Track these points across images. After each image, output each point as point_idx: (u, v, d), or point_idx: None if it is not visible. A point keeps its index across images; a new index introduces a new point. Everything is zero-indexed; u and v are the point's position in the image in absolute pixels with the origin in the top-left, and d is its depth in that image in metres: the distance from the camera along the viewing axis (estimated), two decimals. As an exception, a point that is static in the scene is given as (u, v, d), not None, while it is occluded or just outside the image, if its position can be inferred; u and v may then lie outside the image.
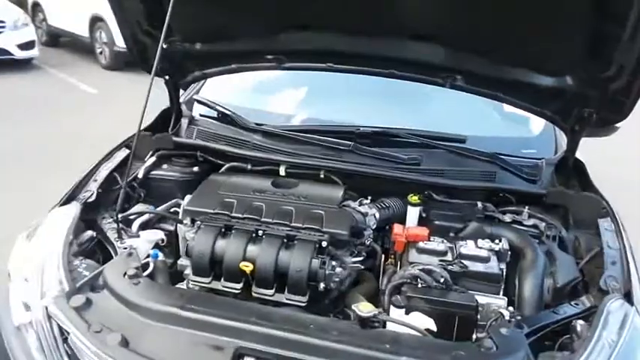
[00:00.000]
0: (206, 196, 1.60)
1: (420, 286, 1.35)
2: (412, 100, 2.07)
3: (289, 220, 1.48)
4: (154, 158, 1.86)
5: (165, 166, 1.87)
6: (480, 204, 1.67)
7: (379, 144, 1.83)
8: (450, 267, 1.39)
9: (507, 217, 1.65)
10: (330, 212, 1.52)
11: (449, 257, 1.43)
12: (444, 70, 1.68)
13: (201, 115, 2.12)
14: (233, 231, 1.44)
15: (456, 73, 1.67)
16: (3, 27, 7.41)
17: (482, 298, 1.37)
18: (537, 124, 2.00)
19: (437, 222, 1.61)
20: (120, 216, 1.57)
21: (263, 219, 1.49)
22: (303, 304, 1.35)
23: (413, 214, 1.64)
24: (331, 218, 1.49)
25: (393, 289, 1.36)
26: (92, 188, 1.64)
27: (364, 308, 1.23)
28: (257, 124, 1.94)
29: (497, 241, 1.49)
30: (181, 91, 2.09)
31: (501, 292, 1.40)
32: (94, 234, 1.52)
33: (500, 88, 1.68)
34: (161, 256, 1.50)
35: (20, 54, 7.58)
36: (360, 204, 1.63)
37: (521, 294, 1.40)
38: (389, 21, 1.55)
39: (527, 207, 1.64)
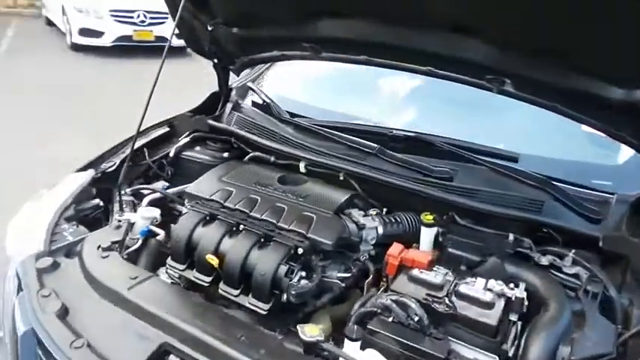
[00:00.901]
0: (209, 182, 1.55)
1: (391, 320, 1.14)
2: (467, 107, 1.78)
3: (277, 219, 1.36)
4: (187, 139, 1.88)
5: (198, 148, 1.88)
6: (511, 237, 1.37)
7: (412, 151, 1.61)
8: (434, 305, 1.15)
9: (545, 260, 1.33)
10: (321, 218, 1.37)
11: (442, 293, 1.19)
12: (490, 72, 1.40)
13: (253, 103, 2.09)
14: (215, 221, 1.38)
15: (503, 76, 1.38)
16: (165, 18, 8.34)
17: (466, 352, 1.11)
18: (625, 150, 1.58)
19: (450, 249, 1.35)
20: (130, 190, 1.62)
21: (252, 213, 1.40)
22: (264, 312, 1.23)
23: (426, 235, 1.40)
24: (320, 225, 1.34)
25: (360, 317, 1.17)
26: (116, 160, 1.70)
27: (309, 331, 1.08)
28: (292, 115, 1.84)
29: (512, 285, 1.20)
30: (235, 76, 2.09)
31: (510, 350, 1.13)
32: (101, 203, 1.58)
33: (558, 98, 1.35)
34: (161, 236, 1.50)
35: (176, 42, 8.48)
36: (366, 214, 1.45)
37: (523, 357, 1.10)
38: (425, 9, 1.33)
39: (572, 251, 1.30)
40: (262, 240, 1.31)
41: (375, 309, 1.16)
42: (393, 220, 1.45)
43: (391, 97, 1.97)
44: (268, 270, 1.24)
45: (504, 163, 1.52)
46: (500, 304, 1.16)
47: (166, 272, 1.41)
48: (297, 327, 1.09)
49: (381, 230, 1.41)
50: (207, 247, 1.32)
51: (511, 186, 1.46)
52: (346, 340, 1.09)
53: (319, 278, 1.27)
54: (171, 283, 1.38)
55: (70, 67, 7.14)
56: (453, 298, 1.17)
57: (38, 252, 1.29)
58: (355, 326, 1.09)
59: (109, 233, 1.40)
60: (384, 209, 1.52)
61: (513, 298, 1.18)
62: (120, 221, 1.46)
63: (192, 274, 1.34)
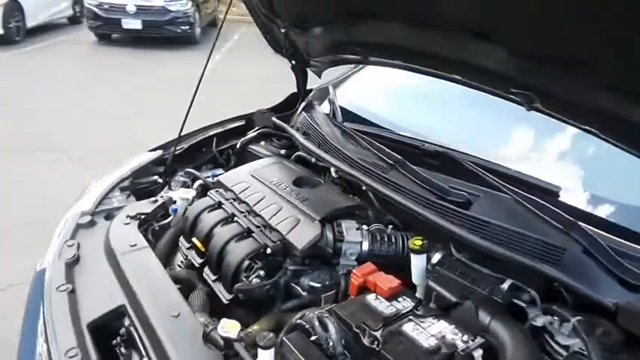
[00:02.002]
0: (238, 174, 1.66)
1: (312, 338, 1.08)
2: (520, 126, 1.50)
3: (269, 217, 1.40)
4: (255, 133, 2.02)
5: (263, 143, 2.00)
6: (507, 284, 1.13)
7: (441, 168, 1.44)
8: (363, 336, 1.04)
9: (540, 320, 1.07)
10: (306, 223, 1.35)
11: (378, 325, 1.06)
12: (514, 84, 1.17)
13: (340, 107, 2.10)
14: (219, 209, 1.48)
15: (527, 89, 1.14)
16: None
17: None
18: None
19: (430, 283, 1.19)
20: (184, 172, 1.83)
21: (253, 207, 1.46)
22: (225, 302, 1.29)
23: (416, 263, 1.26)
24: (300, 229, 1.33)
25: (291, 328, 1.13)
26: (184, 145, 1.94)
27: (227, 327, 1.09)
28: (341, 122, 1.81)
29: (472, 337, 1.01)
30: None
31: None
32: (159, 180, 1.82)
33: (592, 120, 1.06)
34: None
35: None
36: (358, 228, 1.36)
37: None
38: (441, 10, 1.19)
39: (576, 318, 1.02)
40: (245, 234, 1.36)
41: (302, 322, 1.11)
42: (385, 239, 1.33)
43: (447, 112, 1.78)
44: (233, 262, 1.29)
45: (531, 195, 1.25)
46: (440, 355, 0.99)
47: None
48: (221, 320, 1.12)
49: (366, 247, 1.32)
50: (201, 231, 1.43)
51: (534, 224, 1.20)
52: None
53: (277, 281, 1.26)
54: (181, 261, 1.53)
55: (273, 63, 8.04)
56: (388, 334, 1.04)
57: (84, 210, 1.58)
58: (266, 334, 1.06)
59: (144, 205, 1.62)
60: (389, 226, 1.41)
61: (460, 353, 0.99)
62: (161, 197, 1.67)
63: (189, 253, 1.47)
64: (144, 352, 1.10)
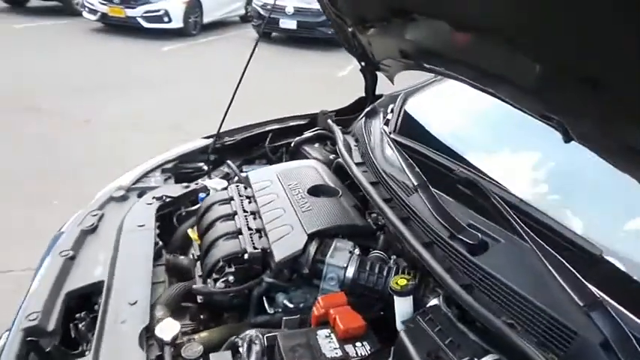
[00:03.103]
0: (265, 173, 1.59)
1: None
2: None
3: (268, 221, 1.30)
4: (310, 134, 1.92)
5: (317, 145, 1.90)
6: (489, 359, 0.87)
7: (469, 200, 1.19)
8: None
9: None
10: (294, 235, 1.22)
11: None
12: (546, 105, 0.89)
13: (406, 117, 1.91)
14: (227, 204, 1.42)
15: (563, 115, 0.86)
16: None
17: None
18: None
19: (402, 333, 0.97)
20: (227, 163, 1.81)
21: (260, 208, 1.38)
22: (199, 301, 1.23)
23: (398, 306, 1.05)
24: (286, 241, 1.21)
25: (230, 345, 1.02)
26: (238, 137, 1.92)
27: (165, 327, 1.03)
28: (394, 132, 1.61)
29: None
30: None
31: None
32: (204, 167, 1.83)
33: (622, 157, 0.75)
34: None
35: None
36: (351, 252, 1.18)
37: None
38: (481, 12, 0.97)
39: None
40: (235, 234, 1.28)
41: (240, 343, 0.99)
42: (376, 270, 1.14)
43: (509, 141, 1.45)
44: (210, 261, 1.22)
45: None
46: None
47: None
48: (165, 319, 1.06)
49: (350, 274, 1.14)
50: (203, 223, 1.39)
51: (550, 292, 0.91)
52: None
53: (248, 291, 1.16)
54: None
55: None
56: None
57: (121, 185, 1.65)
58: (194, 346, 0.97)
59: (175, 189, 1.64)
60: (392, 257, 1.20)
61: None
62: (195, 184, 1.68)
63: (195, 244, 1.44)
64: (92, 337, 1.09)
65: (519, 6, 0.83)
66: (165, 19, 8.93)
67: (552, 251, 0.93)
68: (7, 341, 1.07)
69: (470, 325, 0.95)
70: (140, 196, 1.64)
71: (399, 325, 1.05)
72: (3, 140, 4.38)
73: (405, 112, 1.73)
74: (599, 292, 0.86)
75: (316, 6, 10.09)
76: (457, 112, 1.71)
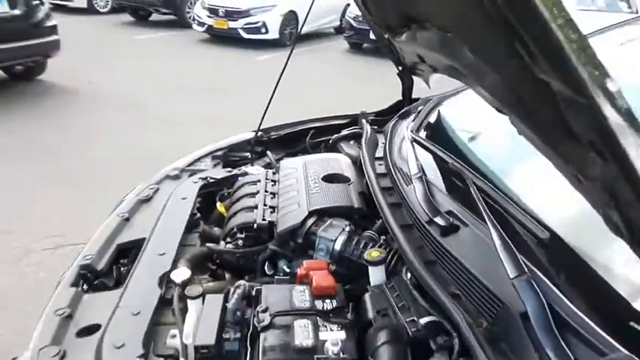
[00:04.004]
0: (295, 161, 1.78)
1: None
2: None
3: (283, 199, 1.51)
4: (347, 132, 2.09)
5: (352, 142, 2.06)
6: (426, 320, 0.99)
7: (457, 190, 1.29)
8: (258, 313, 1.07)
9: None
10: (297, 211, 1.41)
11: (271, 311, 1.07)
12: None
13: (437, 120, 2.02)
14: (255, 185, 1.64)
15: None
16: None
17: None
18: None
19: (366, 296, 1.12)
20: (269, 154, 2.04)
21: (279, 190, 1.58)
22: (218, 262, 1.46)
23: (372, 274, 1.19)
24: (290, 216, 1.40)
25: (225, 293, 1.22)
26: (282, 133, 2.14)
27: (179, 274, 1.26)
28: (415, 129, 1.74)
29: (342, 353, 0.94)
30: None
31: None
32: (249, 156, 2.07)
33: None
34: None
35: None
36: (343, 229, 1.34)
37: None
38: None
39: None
40: (252, 208, 1.50)
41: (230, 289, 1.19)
42: (361, 245, 1.28)
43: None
44: (227, 229, 1.45)
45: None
46: (301, 355, 0.96)
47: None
48: (179, 267, 1.29)
49: (338, 246, 1.30)
50: (233, 199, 1.62)
51: (492, 268, 1.00)
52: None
53: (255, 255, 1.36)
54: None
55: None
56: (277, 321, 1.05)
57: (177, 166, 1.94)
58: (196, 287, 1.19)
59: (219, 172, 1.89)
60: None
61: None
62: (238, 170, 1.93)
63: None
64: (126, 272, 1.36)
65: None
66: (263, 30, 9.58)
67: (501, 231, 1.02)
68: (66, 273, 1.37)
69: (423, 293, 1.07)
70: (191, 176, 1.92)
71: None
72: (108, 134, 5.08)
73: (430, 114, 1.84)
74: (535, 268, 0.94)
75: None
76: (476, 119, 1.79)
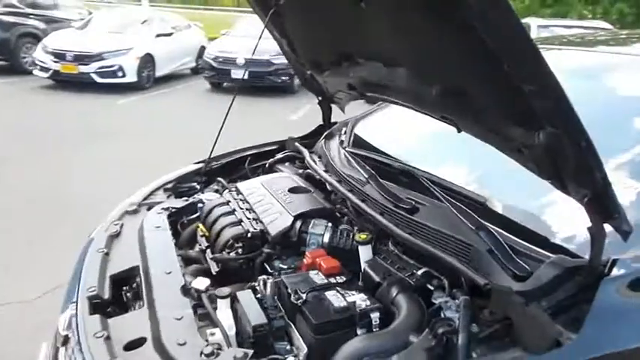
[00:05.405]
0: (252, 182, 2.04)
1: (257, 296, 1.38)
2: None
3: (261, 212, 1.75)
4: (281, 155, 2.40)
5: (287, 163, 2.37)
6: (421, 271, 1.36)
7: (406, 184, 1.70)
8: (292, 295, 1.32)
9: (438, 300, 1.28)
10: (282, 218, 1.68)
11: (305, 289, 1.34)
12: (443, 111, 1.43)
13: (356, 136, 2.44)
14: (226, 205, 1.86)
15: (454, 116, 1.40)
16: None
17: (296, 340, 1.27)
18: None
19: (365, 267, 1.45)
20: (217, 181, 2.25)
21: (252, 205, 1.82)
22: (214, 273, 1.64)
23: (362, 252, 1.52)
24: (277, 222, 1.66)
25: (245, 289, 1.44)
26: (223, 161, 2.37)
27: (200, 282, 1.44)
28: (347, 147, 2.13)
29: (374, 304, 1.26)
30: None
31: None
32: (197, 186, 2.25)
33: (490, 140, 1.29)
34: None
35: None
36: (325, 226, 1.65)
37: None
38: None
39: (463, 297, 1.21)
40: (237, 223, 1.72)
41: (256, 284, 1.42)
42: (345, 235, 1.61)
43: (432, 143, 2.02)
44: (221, 242, 1.65)
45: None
46: (343, 313, 1.24)
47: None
48: (197, 277, 1.47)
49: (326, 239, 1.60)
50: (209, 220, 1.82)
51: (457, 227, 1.41)
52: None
53: (253, 260, 1.59)
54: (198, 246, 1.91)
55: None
56: (311, 296, 1.31)
57: (132, 202, 2.05)
58: (224, 289, 1.39)
59: (177, 202, 2.05)
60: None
61: (360, 311, 1.24)
62: (193, 198, 2.10)
63: (201, 240, 1.85)
64: (142, 296, 1.48)
65: (419, 54, 1.37)
66: (120, 73, 9.32)
67: (456, 202, 1.44)
68: (78, 306, 1.44)
69: (410, 256, 1.43)
70: (149, 209, 2.04)
71: (363, 265, 1.51)
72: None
73: (354, 132, 2.26)
74: (484, 221, 1.37)
75: (266, 57, 10.72)
76: (389, 129, 2.27)
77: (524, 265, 1.23)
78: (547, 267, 1.18)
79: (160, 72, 10.42)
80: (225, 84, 10.47)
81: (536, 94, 0.94)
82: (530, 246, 1.28)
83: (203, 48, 11.71)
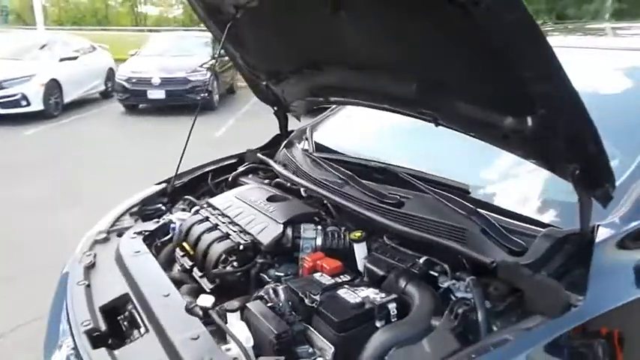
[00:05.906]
0: (225, 197, 2.01)
1: (268, 304, 1.37)
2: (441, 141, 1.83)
3: (245, 224, 1.73)
4: (243, 168, 2.39)
5: (250, 175, 2.36)
6: (422, 259, 1.43)
7: (383, 181, 1.77)
8: (305, 298, 1.34)
9: (445, 283, 1.36)
10: (271, 227, 1.68)
11: (318, 291, 1.36)
12: (418, 106, 1.52)
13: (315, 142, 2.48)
14: (207, 221, 1.82)
15: (425, 109, 1.50)
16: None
17: (316, 340, 1.28)
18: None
19: (367, 263, 1.50)
20: (183, 200, 2.19)
21: (233, 219, 1.79)
22: (208, 290, 1.60)
23: (357, 250, 1.57)
24: (266, 231, 1.66)
25: (253, 299, 1.43)
26: (185, 180, 2.31)
27: (205, 300, 1.40)
28: (312, 153, 2.17)
29: (383, 294, 1.31)
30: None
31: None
32: (163, 207, 2.18)
33: (473, 129, 1.40)
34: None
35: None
36: (315, 229, 1.68)
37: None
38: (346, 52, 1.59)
39: (470, 277, 1.30)
40: (224, 237, 1.69)
41: (264, 294, 1.41)
42: (336, 236, 1.65)
43: (398, 139, 2.14)
44: (213, 257, 1.62)
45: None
46: (362, 308, 1.28)
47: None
48: (200, 295, 1.43)
49: (319, 242, 1.63)
50: (191, 238, 1.77)
51: (447, 214, 1.50)
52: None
53: (248, 271, 1.58)
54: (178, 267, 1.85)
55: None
56: (325, 297, 1.34)
57: (101, 230, 1.94)
58: (233, 302, 1.37)
59: (148, 225, 1.97)
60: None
61: (379, 305, 1.28)
62: (163, 219, 2.03)
63: (184, 260, 1.79)
64: (142, 323, 1.41)
65: (395, 53, 1.45)
66: (24, 102, 8.65)
67: (442, 192, 1.53)
68: (77, 343, 1.35)
69: (407, 247, 1.50)
70: (119, 235, 1.94)
71: (359, 263, 1.56)
72: None
73: (312, 138, 2.31)
74: (472, 206, 1.48)
75: (182, 74, 10.53)
76: (347, 130, 2.35)
77: (518, 241, 1.34)
78: (541, 239, 1.30)
79: (68, 98, 9.81)
80: (140, 105, 10.09)
81: (537, 80, 1.04)
82: (520, 223, 1.40)
83: (111, 70, 11.22)
